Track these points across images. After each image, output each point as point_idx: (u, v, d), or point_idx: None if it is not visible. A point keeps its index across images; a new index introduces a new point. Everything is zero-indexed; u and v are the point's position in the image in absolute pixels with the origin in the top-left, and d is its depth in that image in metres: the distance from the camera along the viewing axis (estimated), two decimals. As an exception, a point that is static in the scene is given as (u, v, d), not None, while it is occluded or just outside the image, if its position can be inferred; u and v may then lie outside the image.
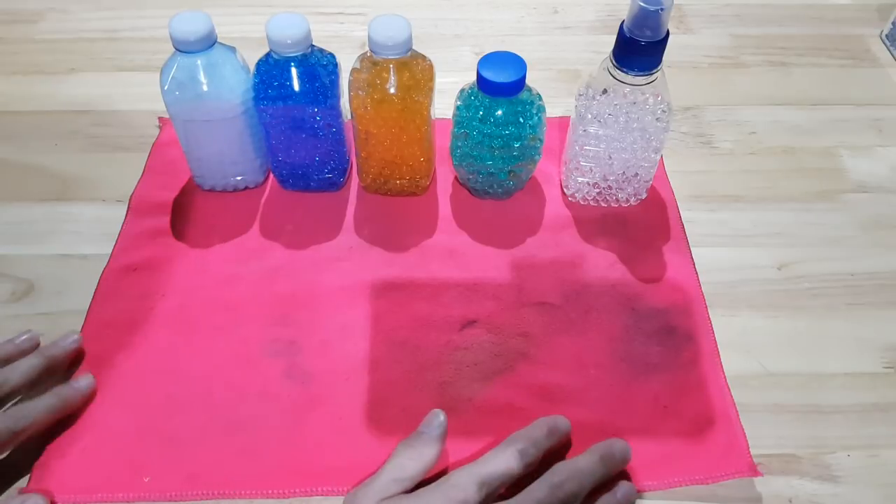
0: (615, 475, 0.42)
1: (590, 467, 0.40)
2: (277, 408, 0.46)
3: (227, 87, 0.51)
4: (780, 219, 0.57)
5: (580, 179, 0.56)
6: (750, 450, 0.44)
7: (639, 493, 0.42)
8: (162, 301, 0.51)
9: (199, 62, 0.49)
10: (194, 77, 0.50)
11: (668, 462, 0.43)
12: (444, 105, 0.55)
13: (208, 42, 0.49)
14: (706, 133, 0.64)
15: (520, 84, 0.49)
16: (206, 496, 0.42)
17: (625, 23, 0.47)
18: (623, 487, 0.41)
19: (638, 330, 0.50)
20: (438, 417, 0.43)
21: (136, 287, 0.52)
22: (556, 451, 0.43)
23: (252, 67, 0.51)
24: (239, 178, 0.57)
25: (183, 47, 0.48)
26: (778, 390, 0.47)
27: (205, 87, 0.50)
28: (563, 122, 0.62)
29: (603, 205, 0.57)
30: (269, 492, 0.42)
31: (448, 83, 0.57)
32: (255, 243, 0.55)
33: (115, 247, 0.54)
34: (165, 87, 0.50)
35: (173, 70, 0.50)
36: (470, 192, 0.58)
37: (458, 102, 0.52)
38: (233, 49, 0.52)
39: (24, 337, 0.47)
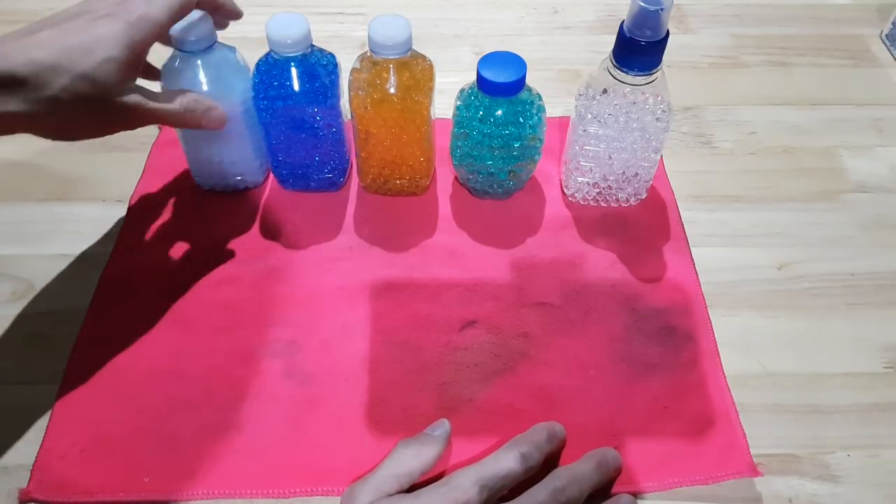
0: (609, 484, 0.42)
1: (587, 474, 0.40)
2: (277, 408, 0.46)
3: (227, 86, 0.50)
4: (780, 219, 0.57)
5: (580, 179, 0.56)
6: (750, 450, 0.44)
7: (639, 495, 0.42)
8: (162, 301, 0.51)
9: (199, 62, 0.49)
10: (194, 77, 0.49)
11: (669, 462, 0.43)
12: (444, 105, 0.55)
13: (208, 42, 0.49)
14: (706, 133, 0.64)
15: (520, 84, 0.49)
16: (206, 496, 0.42)
17: (625, 23, 0.47)
18: (624, 499, 0.41)
19: (638, 330, 0.50)
20: (444, 424, 0.43)
21: (135, 287, 0.52)
22: (552, 457, 0.43)
23: (252, 67, 0.51)
24: (238, 178, 0.57)
25: (183, 46, 0.48)
26: (778, 390, 0.47)
27: (205, 87, 0.50)
28: (563, 122, 0.62)
29: (603, 205, 0.57)
30: (269, 492, 0.42)
31: (448, 83, 0.57)
32: (255, 243, 0.55)
33: (115, 247, 0.54)
34: (165, 87, 0.50)
35: (173, 69, 0.50)
36: (470, 192, 0.58)
37: (458, 102, 0.52)
38: (233, 49, 0.52)
39: None
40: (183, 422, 0.45)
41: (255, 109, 0.52)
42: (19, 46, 0.40)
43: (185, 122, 0.47)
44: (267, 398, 0.46)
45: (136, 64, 0.44)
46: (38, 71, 0.40)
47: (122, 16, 0.42)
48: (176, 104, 0.46)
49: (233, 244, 0.55)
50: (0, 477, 0.43)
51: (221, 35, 0.50)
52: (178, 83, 0.49)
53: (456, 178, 0.59)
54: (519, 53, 0.50)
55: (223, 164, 0.55)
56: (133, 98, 0.44)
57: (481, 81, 0.49)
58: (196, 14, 0.48)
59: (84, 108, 0.42)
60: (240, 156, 0.55)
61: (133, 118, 0.44)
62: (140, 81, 0.45)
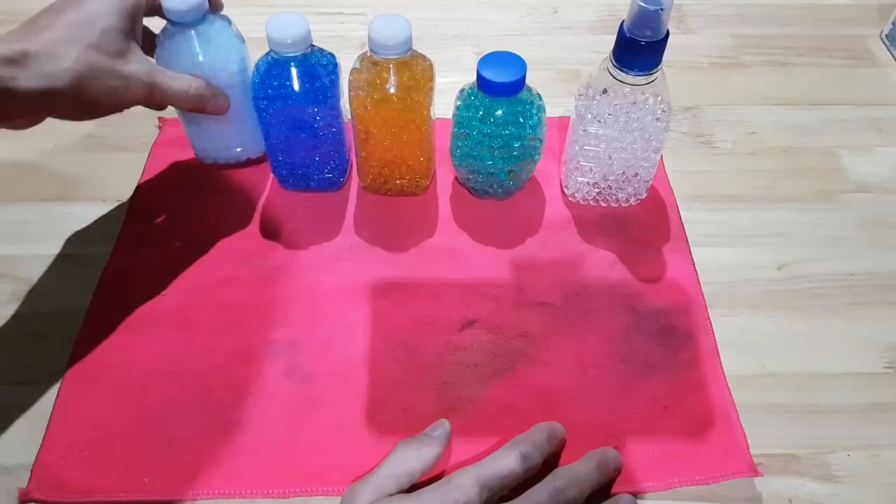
0: (609, 484, 0.42)
1: (588, 474, 0.40)
2: (277, 408, 0.46)
3: (222, 57, 0.51)
4: (780, 219, 0.57)
5: (580, 179, 0.56)
6: (750, 450, 0.44)
7: (639, 495, 0.42)
8: (162, 301, 0.51)
9: (192, 33, 0.49)
10: (189, 48, 0.50)
11: (668, 462, 0.43)
12: (444, 105, 0.55)
13: (200, 12, 0.49)
14: (706, 133, 0.64)
15: (520, 84, 0.49)
16: (206, 496, 0.42)
17: (625, 23, 0.47)
18: (625, 499, 0.41)
19: (638, 330, 0.50)
20: (444, 424, 0.43)
21: (135, 287, 0.52)
22: (552, 457, 0.43)
23: (250, 51, 0.52)
24: (239, 149, 0.57)
25: (176, 18, 0.48)
26: (778, 390, 0.47)
27: (200, 58, 0.50)
28: (563, 122, 0.62)
29: (603, 205, 0.57)
30: (269, 492, 0.42)
31: (448, 83, 0.57)
32: (255, 243, 0.55)
33: (114, 247, 0.54)
34: (160, 59, 0.50)
35: (168, 42, 0.50)
36: (470, 192, 0.58)
37: (458, 102, 0.52)
38: (227, 19, 0.52)
39: None
40: (183, 422, 0.45)
41: (255, 109, 0.52)
42: (27, 33, 0.43)
43: (192, 104, 0.50)
44: (267, 398, 0.46)
45: (133, 30, 0.46)
46: (49, 46, 0.42)
47: None
48: (186, 86, 0.48)
49: (233, 244, 0.55)
50: (0, 477, 0.43)
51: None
52: (173, 55, 0.50)
53: (456, 178, 0.59)
54: (519, 53, 0.50)
55: (223, 134, 0.55)
56: (143, 67, 0.46)
57: (481, 81, 0.49)
58: None
59: (98, 77, 0.44)
60: (239, 126, 0.55)
61: (144, 88, 0.46)
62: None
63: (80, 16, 0.44)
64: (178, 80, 0.48)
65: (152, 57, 0.50)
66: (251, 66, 0.52)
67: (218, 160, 0.58)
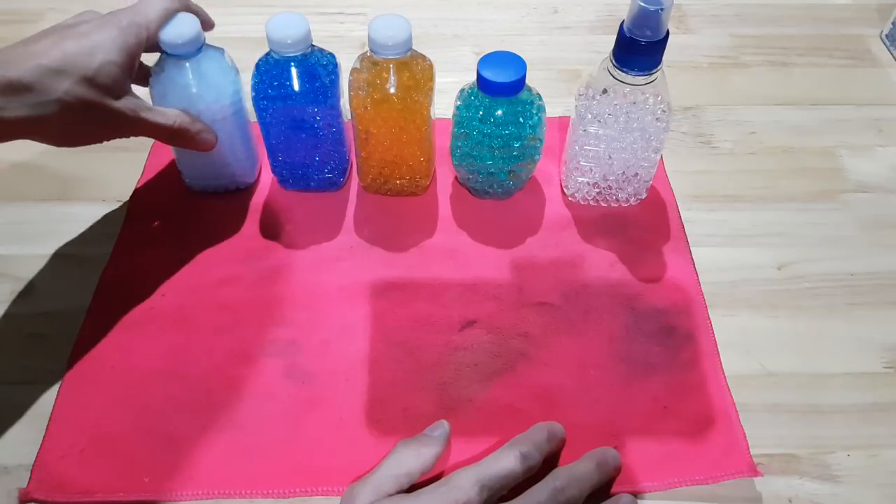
0: (609, 484, 0.42)
1: (587, 474, 0.40)
2: (277, 408, 0.46)
3: (215, 88, 0.50)
4: (780, 219, 0.57)
5: (580, 179, 0.56)
6: (750, 450, 0.44)
7: (639, 495, 0.42)
8: (162, 301, 0.51)
9: (187, 65, 0.49)
10: (183, 80, 0.49)
11: (668, 462, 0.43)
12: (444, 105, 0.55)
13: (196, 45, 0.49)
14: (706, 133, 0.64)
15: (520, 84, 0.49)
16: (206, 496, 0.42)
17: (625, 23, 0.47)
18: (624, 498, 0.41)
19: (638, 330, 0.50)
20: (443, 424, 0.43)
21: (135, 287, 0.52)
22: (552, 457, 0.43)
23: (243, 68, 0.51)
24: (229, 178, 0.57)
25: (172, 50, 0.48)
26: (778, 390, 0.47)
27: (194, 90, 0.50)
28: (563, 122, 0.62)
29: (603, 205, 0.57)
30: (269, 492, 0.42)
31: (448, 83, 0.57)
32: (255, 243, 0.55)
33: (114, 247, 0.54)
34: (154, 90, 0.50)
35: (162, 73, 0.49)
36: (470, 192, 0.58)
37: (458, 102, 0.52)
38: (221, 50, 0.51)
39: None
40: (183, 422, 0.45)
41: (244, 111, 0.52)
42: (24, 54, 0.42)
43: (176, 139, 0.49)
44: (267, 398, 0.46)
45: (131, 68, 0.46)
46: (43, 76, 0.41)
47: (113, 23, 0.45)
48: (170, 120, 0.48)
49: (233, 244, 0.55)
50: (0, 477, 0.43)
51: (221, 35, 0.50)
52: (167, 86, 0.49)
53: (456, 178, 0.59)
54: (519, 53, 0.50)
55: (214, 165, 0.55)
56: (130, 104, 0.45)
57: (481, 81, 0.49)
58: (184, 17, 0.48)
59: (85, 112, 0.43)
60: (231, 157, 0.55)
61: (129, 125, 0.46)
62: (136, 89, 0.46)
63: (81, 47, 0.43)
64: (162, 116, 0.47)
65: (145, 86, 0.50)
66: (246, 97, 0.52)
67: (207, 188, 0.57)
